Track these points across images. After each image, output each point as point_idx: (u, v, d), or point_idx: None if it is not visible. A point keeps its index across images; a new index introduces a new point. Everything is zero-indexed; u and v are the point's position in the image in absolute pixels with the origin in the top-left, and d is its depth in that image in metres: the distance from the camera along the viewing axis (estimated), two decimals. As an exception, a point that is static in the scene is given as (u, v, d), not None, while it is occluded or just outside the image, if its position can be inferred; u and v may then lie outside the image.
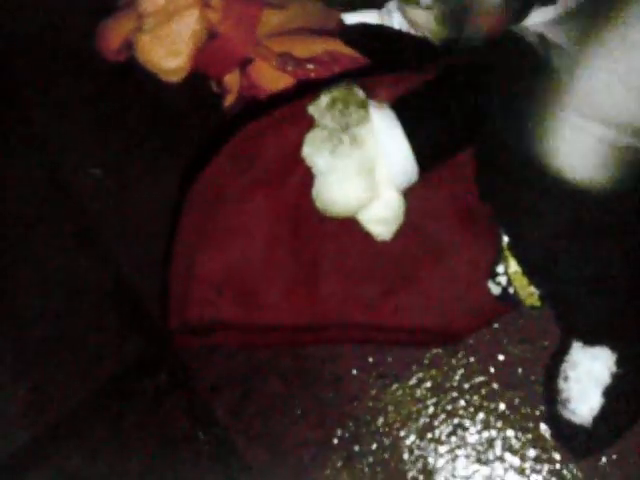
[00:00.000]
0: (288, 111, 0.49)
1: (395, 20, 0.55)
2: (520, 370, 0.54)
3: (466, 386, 0.54)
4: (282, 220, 0.50)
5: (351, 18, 0.55)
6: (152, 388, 0.57)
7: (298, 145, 0.47)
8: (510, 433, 0.53)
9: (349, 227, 0.49)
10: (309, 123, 0.47)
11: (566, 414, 0.47)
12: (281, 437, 0.55)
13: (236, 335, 0.52)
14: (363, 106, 0.47)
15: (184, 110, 0.59)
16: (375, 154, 0.47)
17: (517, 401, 0.54)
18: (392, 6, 0.55)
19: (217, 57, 0.52)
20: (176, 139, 0.59)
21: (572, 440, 0.47)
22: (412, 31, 0.53)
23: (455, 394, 0.54)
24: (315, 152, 0.47)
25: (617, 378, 0.46)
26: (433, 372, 0.54)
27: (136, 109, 0.60)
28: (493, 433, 0.53)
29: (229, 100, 0.55)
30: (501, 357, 0.54)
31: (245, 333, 0.52)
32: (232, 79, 0.54)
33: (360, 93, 0.47)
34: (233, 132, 0.50)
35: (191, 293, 0.50)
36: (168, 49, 0.51)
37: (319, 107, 0.47)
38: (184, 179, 0.52)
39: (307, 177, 0.48)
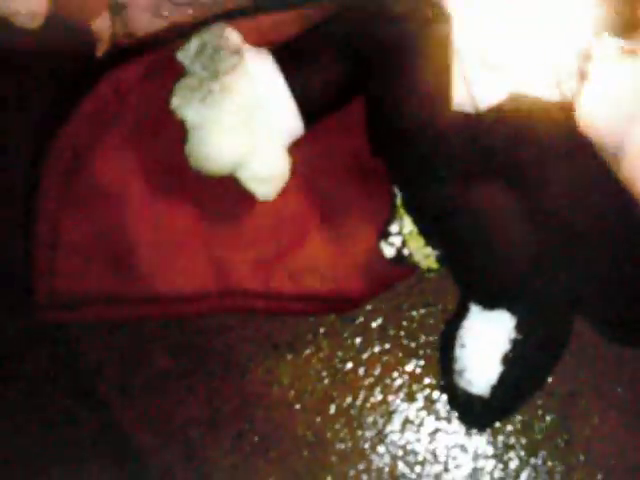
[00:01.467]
0: (154, 60, 0.44)
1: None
2: (423, 337, 0.51)
3: (365, 356, 0.51)
4: (155, 180, 0.45)
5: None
6: (33, 368, 0.53)
7: (166, 98, 0.43)
8: (412, 405, 0.50)
9: (230, 187, 0.45)
10: (178, 73, 0.43)
11: (463, 384, 0.44)
12: (168, 416, 0.51)
13: (111, 308, 0.47)
14: (237, 51, 0.42)
15: (45, 59, 0.53)
16: (252, 105, 0.43)
17: (419, 370, 0.50)
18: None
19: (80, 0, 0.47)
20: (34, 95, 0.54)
21: (469, 412, 0.44)
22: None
23: (352, 365, 0.51)
24: (184, 103, 0.42)
25: (516, 344, 0.43)
26: (329, 341, 0.51)
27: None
28: (393, 406, 0.50)
29: (102, 49, 0.50)
30: (402, 323, 0.51)
31: (121, 305, 0.47)
32: (102, 25, 0.49)
33: (234, 37, 0.43)
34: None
35: (57, 265, 0.46)
36: (20, -9, 0.45)
37: (188, 53, 0.42)
38: (39, 138, 0.47)
39: (180, 133, 0.43)
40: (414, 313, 0.51)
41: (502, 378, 0.43)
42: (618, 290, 0.43)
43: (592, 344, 0.49)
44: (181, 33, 0.47)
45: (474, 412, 0.44)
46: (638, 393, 0.50)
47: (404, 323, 0.51)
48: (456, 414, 0.47)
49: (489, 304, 0.43)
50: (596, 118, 0.40)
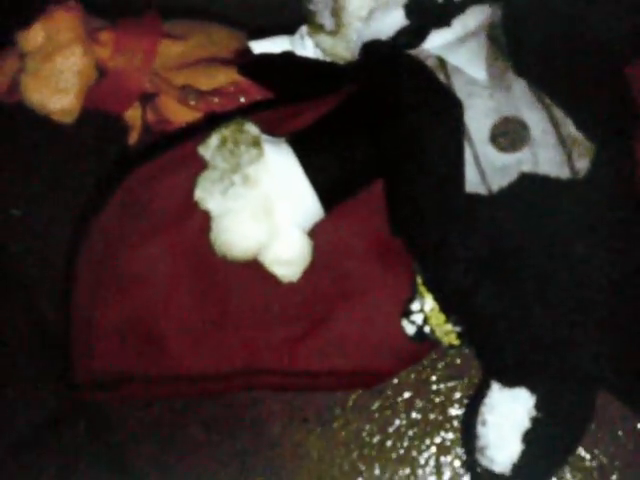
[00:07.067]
0: (179, 153, 0.46)
1: (308, 45, 0.52)
2: (449, 410, 0.51)
3: (391, 429, 0.51)
4: (183, 266, 0.47)
5: (260, 46, 0.53)
6: (71, 439, 0.55)
7: (191, 189, 0.44)
8: (440, 478, 0.51)
9: (256, 269, 0.47)
10: (201, 165, 0.45)
11: (484, 462, 0.44)
12: (202, 488, 0.53)
13: (144, 387, 0.49)
14: (255, 143, 0.44)
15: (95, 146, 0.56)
16: (272, 193, 0.44)
17: (447, 444, 0.51)
18: (304, 31, 0.53)
19: (111, 94, 0.49)
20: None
21: (491, 490, 0.45)
22: (323, 57, 0.51)
23: (380, 437, 0.51)
24: (207, 195, 0.44)
25: (536, 422, 0.43)
26: (357, 415, 0.52)
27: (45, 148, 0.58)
28: (421, 479, 0.51)
29: (133, 137, 0.52)
30: (428, 397, 0.52)
31: (153, 384, 0.49)
32: (133, 115, 0.51)
33: (253, 130, 0.44)
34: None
35: (94, 346, 0.48)
36: (53, 89, 0.48)
37: (209, 147, 0.44)
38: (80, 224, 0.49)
39: (205, 221, 0.45)
40: (441, 386, 0.52)
41: (524, 456, 0.43)
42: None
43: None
44: (212, 120, 0.49)
45: (496, 491, 0.44)
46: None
47: (431, 396, 0.52)
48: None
49: (507, 382, 0.44)
50: None
